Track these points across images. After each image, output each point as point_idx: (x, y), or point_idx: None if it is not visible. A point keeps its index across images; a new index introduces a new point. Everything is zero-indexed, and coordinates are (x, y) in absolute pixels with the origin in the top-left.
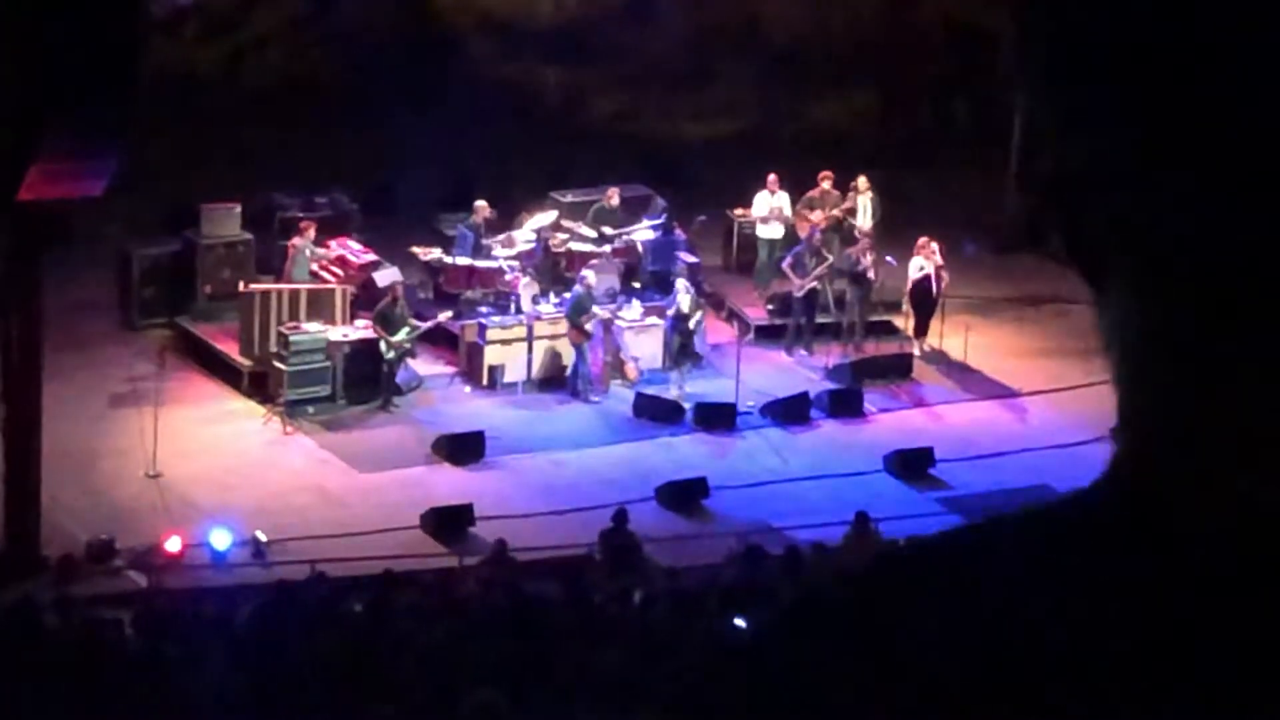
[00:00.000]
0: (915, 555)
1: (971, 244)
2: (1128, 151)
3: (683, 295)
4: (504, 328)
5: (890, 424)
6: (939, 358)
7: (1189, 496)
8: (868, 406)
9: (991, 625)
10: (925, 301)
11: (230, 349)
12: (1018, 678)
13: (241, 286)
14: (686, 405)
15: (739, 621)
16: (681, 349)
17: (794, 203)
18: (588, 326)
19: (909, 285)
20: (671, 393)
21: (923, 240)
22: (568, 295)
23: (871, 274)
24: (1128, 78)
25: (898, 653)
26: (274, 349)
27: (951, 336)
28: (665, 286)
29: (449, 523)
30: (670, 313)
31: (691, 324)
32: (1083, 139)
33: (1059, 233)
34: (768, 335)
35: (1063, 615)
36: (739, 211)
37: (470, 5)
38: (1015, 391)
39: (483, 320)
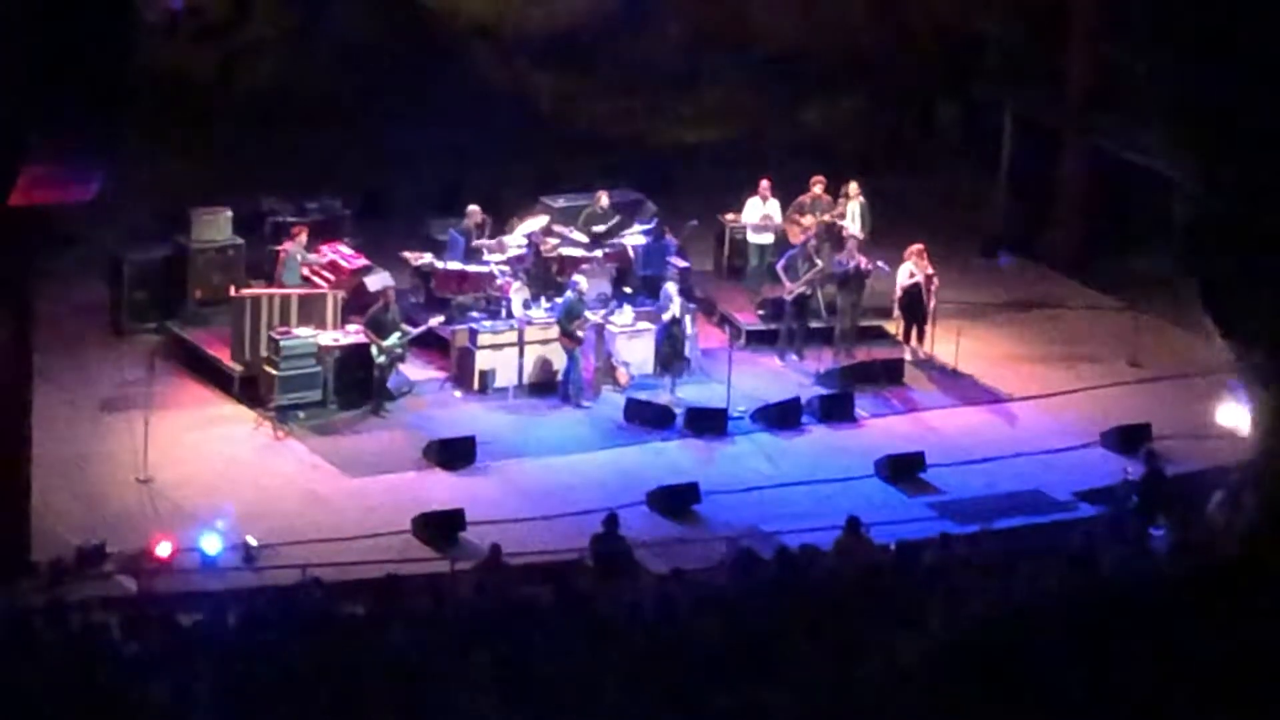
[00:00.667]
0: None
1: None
2: (1267, 210)
3: (675, 299)
4: (495, 333)
5: (881, 429)
6: (929, 363)
7: None
8: (859, 411)
9: None
10: (916, 307)
11: (221, 353)
12: None
13: (232, 291)
14: (678, 410)
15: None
16: (672, 353)
17: (785, 208)
18: (579, 332)
19: (899, 291)
20: (663, 397)
21: (913, 246)
22: (559, 300)
23: (864, 269)
24: (1267, 146)
25: None
26: (265, 354)
27: (942, 342)
28: (657, 291)
29: (440, 528)
30: (665, 317)
31: (685, 328)
32: (1223, 199)
33: (1196, 280)
34: (759, 340)
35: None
36: (730, 217)
37: (462, 10)
38: (1005, 397)
39: (474, 325)
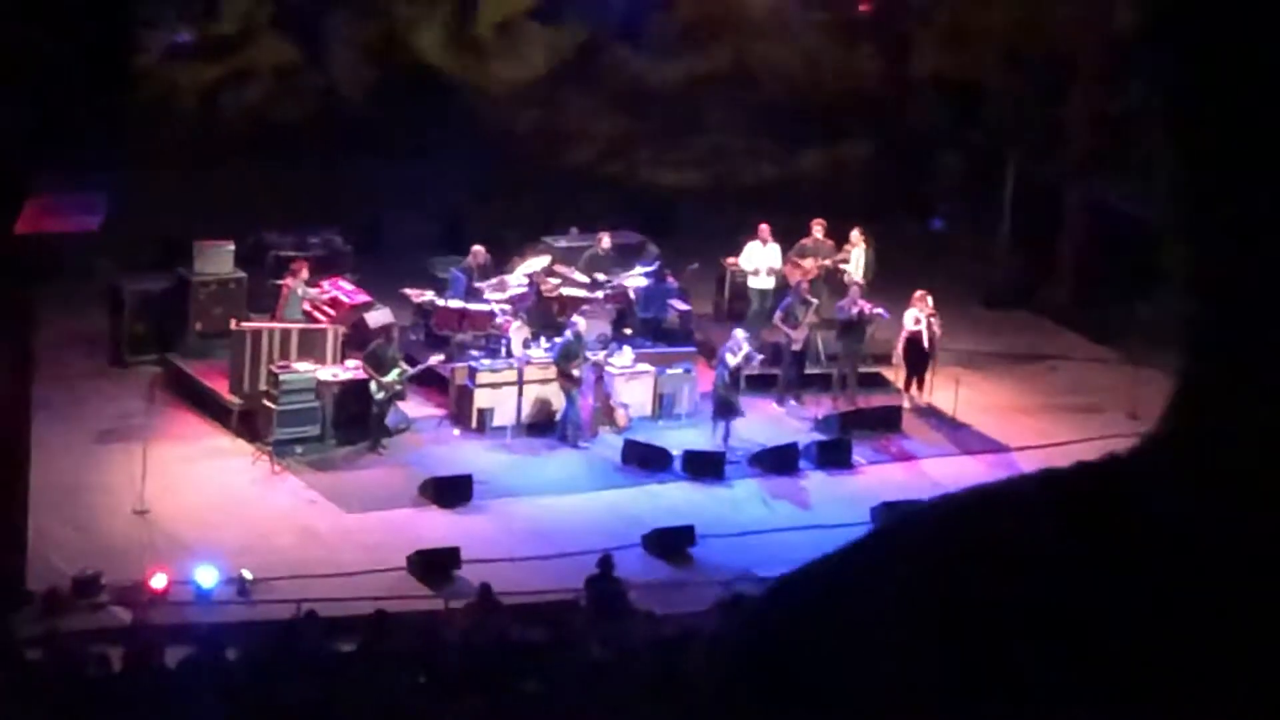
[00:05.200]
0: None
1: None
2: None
3: (744, 347)
4: (494, 371)
5: (879, 476)
6: (929, 411)
7: None
8: (856, 458)
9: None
10: (918, 355)
11: (220, 387)
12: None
13: (233, 324)
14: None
15: None
16: (727, 399)
17: (785, 252)
18: (576, 373)
19: (903, 338)
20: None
21: (918, 293)
22: (558, 340)
23: (866, 315)
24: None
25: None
26: (264, 387)
27: (942, 390)
28: (657, 334)
29: (435, 565)
30: (730, 361)
31: (741, 378)
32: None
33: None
34: (758, 385)
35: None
36: (730, 260)
37: (465, 51)
38: (1005, 446)
39: (473, 364)
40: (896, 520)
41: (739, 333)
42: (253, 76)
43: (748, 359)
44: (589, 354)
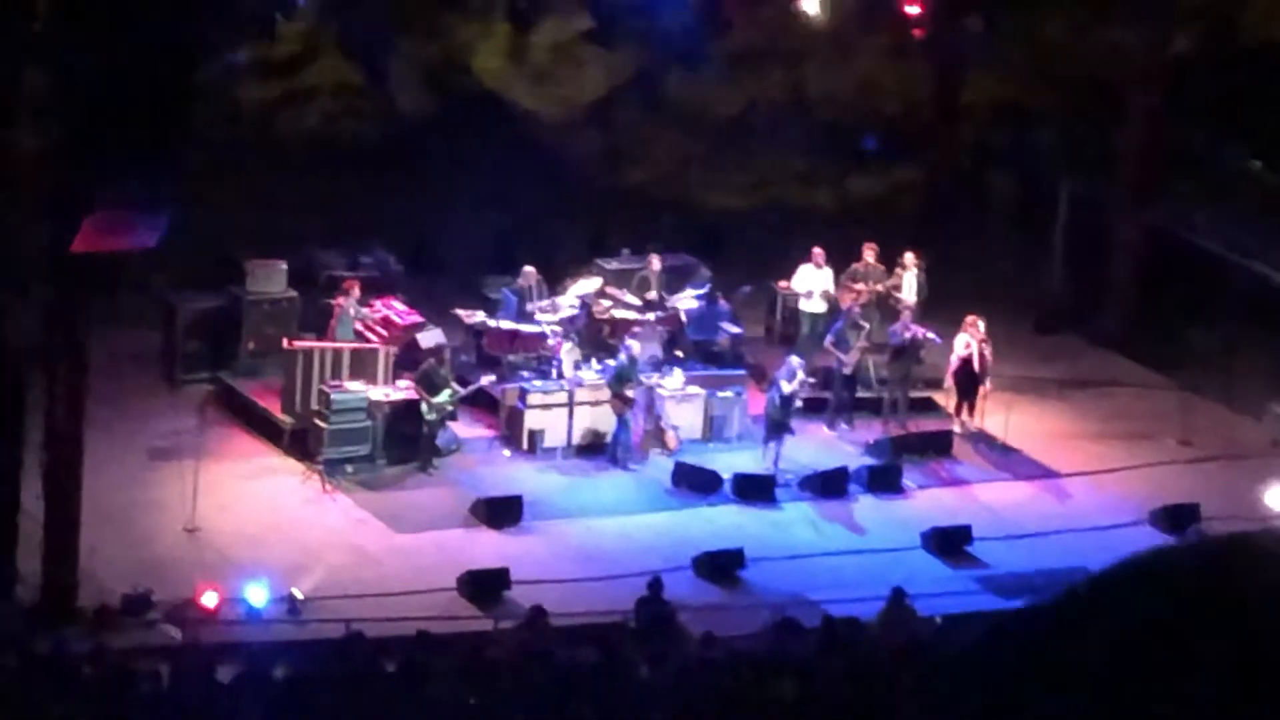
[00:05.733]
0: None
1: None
2: None
3: (799, 373)
4: (545, 393)
5: (928, 500)
6: (979, 436)
7: None
8: (906, 482)
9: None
10: (970, 379)
11: (272, 405)
12: None
13: (285, 343)
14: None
15: None
16: (780, 422)
17: (838, 276)
18: (629, 394)
19: (955, 362)
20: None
21: (969, 318)
22: (610, 362)
23: (918, 339)
24: None
25: None
26: (315, 407)
27: (993, 415)
28: (708, 356)
29: (485, 586)
30: (785, 388)
31: (795, 401)
32: None
33: None
34: (809, 409)
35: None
36: (783, 284)
37: (521, 73)
38: (1055, 472)
39: (524, 385)
40: (1123, 569)
41: (794, 359)
42: (314, 96)
43: (802, 385)
44: (642, 376)
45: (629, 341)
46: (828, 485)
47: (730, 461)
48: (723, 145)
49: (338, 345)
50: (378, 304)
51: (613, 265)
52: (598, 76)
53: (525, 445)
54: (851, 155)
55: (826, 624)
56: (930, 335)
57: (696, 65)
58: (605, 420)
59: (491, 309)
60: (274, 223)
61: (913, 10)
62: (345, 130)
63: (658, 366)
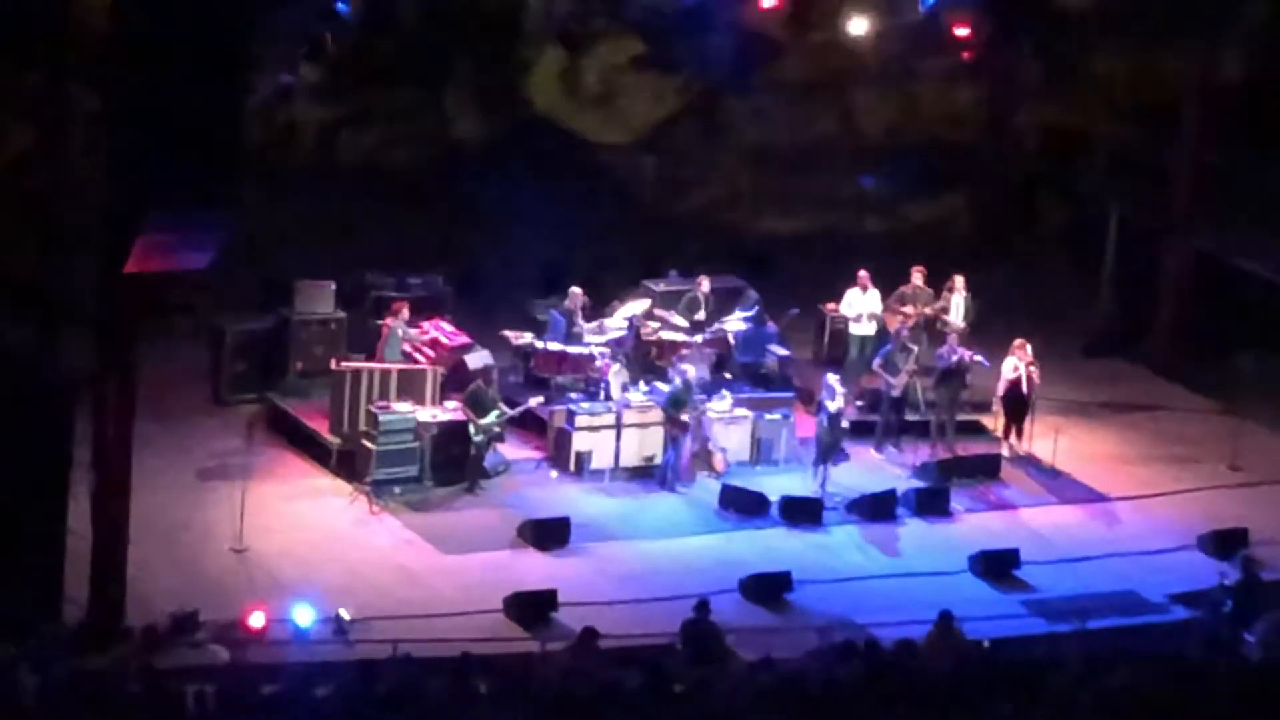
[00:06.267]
0: None
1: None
2: None
3: (839, 393)
4: (593, 414)
5: (976, 524)
6: (1027, 459)
7: None
8: (954, 506)
9: None
10: (1018, 403)
11: (319, 426)
12: None
13: (333, 364)
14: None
15: None
16: (832, 444)
17: (885, 299)
18: (684, 418)
19: (1003, 386)
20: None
21: (1017, 341)
22: (658, 384)
23: (966, 362)
24: None
25: None
26: (363, 427)
27: (1041, 439)
28: (756, 378)
29: (532, 607)
30: (831, 407)
31: (843, 422)
32: None
33: None
34: (857, 432)
35: None
36: (830, 306)
37: (576, 98)
38: (1103, 496)
39: (572, 406)
40: None
41: (831, 377)
42: (369, 120)
43: (846, 400)
44: (696, 401)
45: (683, 365)
46: (875, 508)
47: (778, 484)
48: (776, 171)
49: (386, 366)
50: (426, 325)
51: (660, 287)
52: (651, 102)
53: (572, 467)
54: (902, 180)
55: (872, 647)
56: (978, 358)
57: (748, 92)
58: (652, 442)
59: (539, 330)
60: (327, 244)
61: (962, 33)
62: (398, 154)
63: (705, 389)
